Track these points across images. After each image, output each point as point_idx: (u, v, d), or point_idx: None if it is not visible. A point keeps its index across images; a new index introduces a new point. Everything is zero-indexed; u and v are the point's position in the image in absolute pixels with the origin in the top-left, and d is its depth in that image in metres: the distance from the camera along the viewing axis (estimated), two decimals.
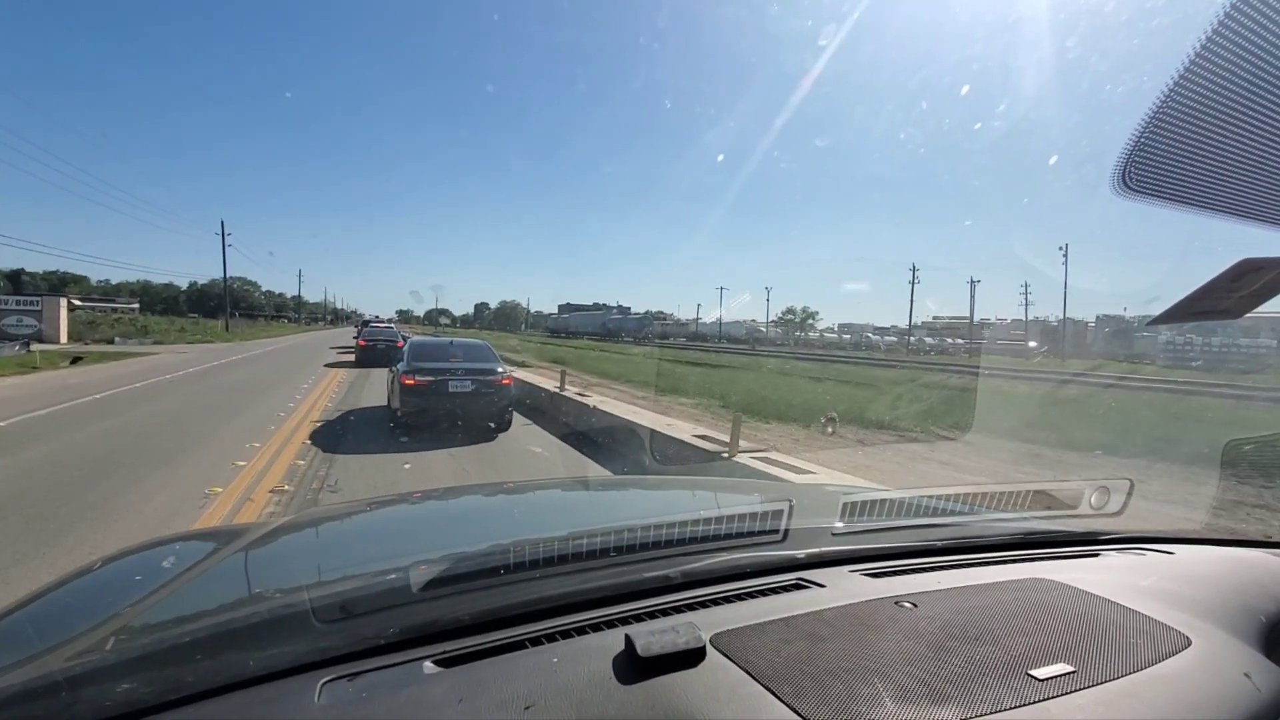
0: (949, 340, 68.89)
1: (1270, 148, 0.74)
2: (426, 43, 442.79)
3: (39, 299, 27.79)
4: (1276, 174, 0.77)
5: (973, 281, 63.43)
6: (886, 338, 76.64)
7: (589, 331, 76.86)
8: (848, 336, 78.74)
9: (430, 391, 7.88)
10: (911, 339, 72.00)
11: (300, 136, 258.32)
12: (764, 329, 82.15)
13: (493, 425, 8.31)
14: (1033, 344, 59.36)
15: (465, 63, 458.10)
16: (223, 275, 48.45)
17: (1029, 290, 60.38)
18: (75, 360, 18.47)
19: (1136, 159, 0.77)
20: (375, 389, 12.76)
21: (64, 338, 27.20)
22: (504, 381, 8.36)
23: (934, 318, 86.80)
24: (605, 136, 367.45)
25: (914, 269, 60.75)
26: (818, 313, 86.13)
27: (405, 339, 13.02)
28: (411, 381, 7.87)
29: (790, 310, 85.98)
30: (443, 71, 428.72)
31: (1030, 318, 63.55)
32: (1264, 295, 0.87)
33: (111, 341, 28.19)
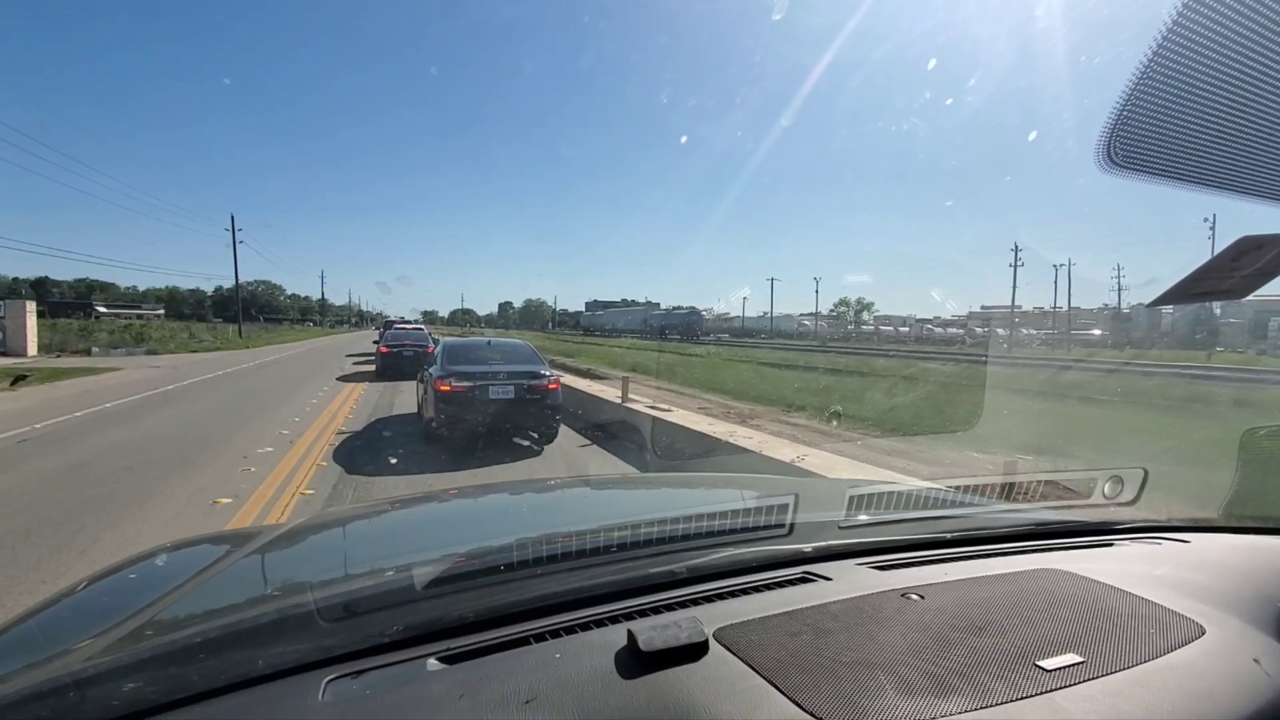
0: (1024, 331, 62.21)
1: (1261, 117, 0.70)
2: (441, 54, 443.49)
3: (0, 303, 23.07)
4: (1270, 145, 0.73)
5: (1066, 266, 56.24)
6: (951, 329, 70.94)
7: (628, 329, 71.10)
8: (906, 329, 73.13)
9: (468, 399, 6.84)
10: (981, 329, 65.62)
11: (325, 143, 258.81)
12: (808, 323, 76.43)
13: (536, 435, 7.45)
14: (1097, 332, 53.91)
15: (479, 72, 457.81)
16: (234, 275, 43.85)
17: (1122, 275, 53.17)
18: (17, 380, 13.86)
19: (1120, 132, 0.73)
20: (408, 407, 7.39)
21: (32, 348, 22.63)
22: (550, 386, 7.32)
23: (982, 307, 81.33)
24: (613, 140, 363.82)
25: (1016, 249, 53.49)
26: (873, 304, 79.98)
27: (436, 342, 10.80)
28: (447, 388, 6.84)
29: (843, 302, 79.86)
30: (458, 81, 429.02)
31: (1058, 306, 56.37)
32: (1268, 274, 0.84)
33: (89, 353, 23.52)
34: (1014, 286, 53.47)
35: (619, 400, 8.22)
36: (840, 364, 20.29)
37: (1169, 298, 0.91)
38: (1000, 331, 64.09)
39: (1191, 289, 0.88)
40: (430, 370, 7.49)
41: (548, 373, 7.46)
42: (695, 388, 12.93)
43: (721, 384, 13.18)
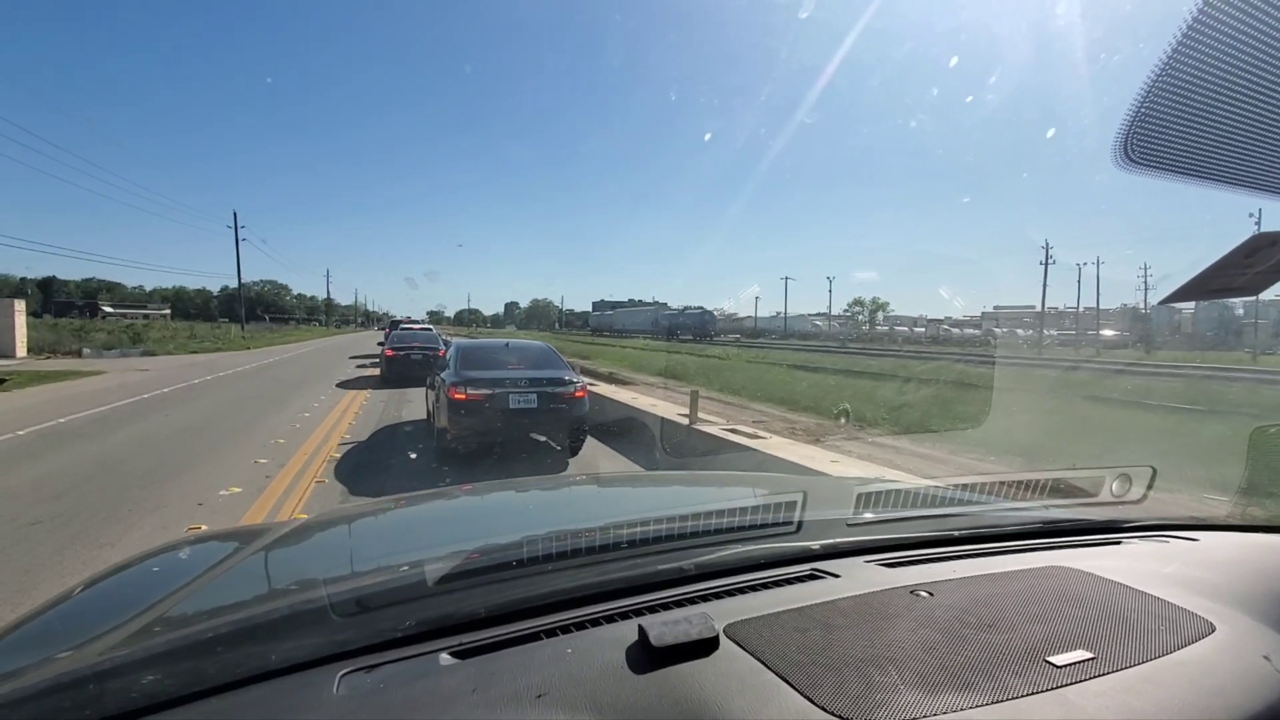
0: (1047, 332, 60.63)
1: (1276, 114, 0.69)
2: (448, 55, 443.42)
3: None
4: None
5: (1091, 265, 54.47)
6: (967, 330, 69.44)
7: (637, 329, 69.55)
8: (921, 330, 71.63)
9: (486, 409, 5.96)
10: (1000, 329, 64.09)
11: (331, 143, 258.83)
12: (820, 323, 74.84)
13: (559, 449, 6.63)
14: (1109, 332, 52.93)
15: (484, 72, 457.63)
16: (237, 273, 42.59)
17: (1150, 274, 51.32)
18: None
19: (1138, 129, 0.73)
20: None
21: (21, 349, 21.43)
22: (577, 394, 6.37)
23: (995, 307, 79.72)
24: (619, 139, 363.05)
25: (1046, 246, 51.56)
26: (888, 304, 78.16)
27: (447, 344, 10.04)
28: (462, 396, 5.96)
29: (858, 301, 78.03)
30: (463, 80, 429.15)
31: (1073, 306, 54.41)
32: None
33: (80, 354, 22.28)
34: (1044, 285, 51.90)
35: (683, 419, 6.68)
36: (873, 366, 18.78)
37: (1181, 295, 0.91)
38: (1020, 332, 62.49)
39: (1204, 286, 0.87)
40: (442, 375, 6.63)
41: (574, 379, 6.57)
42: (738, 395, 11.46)
43: (765, 391, 11.71)
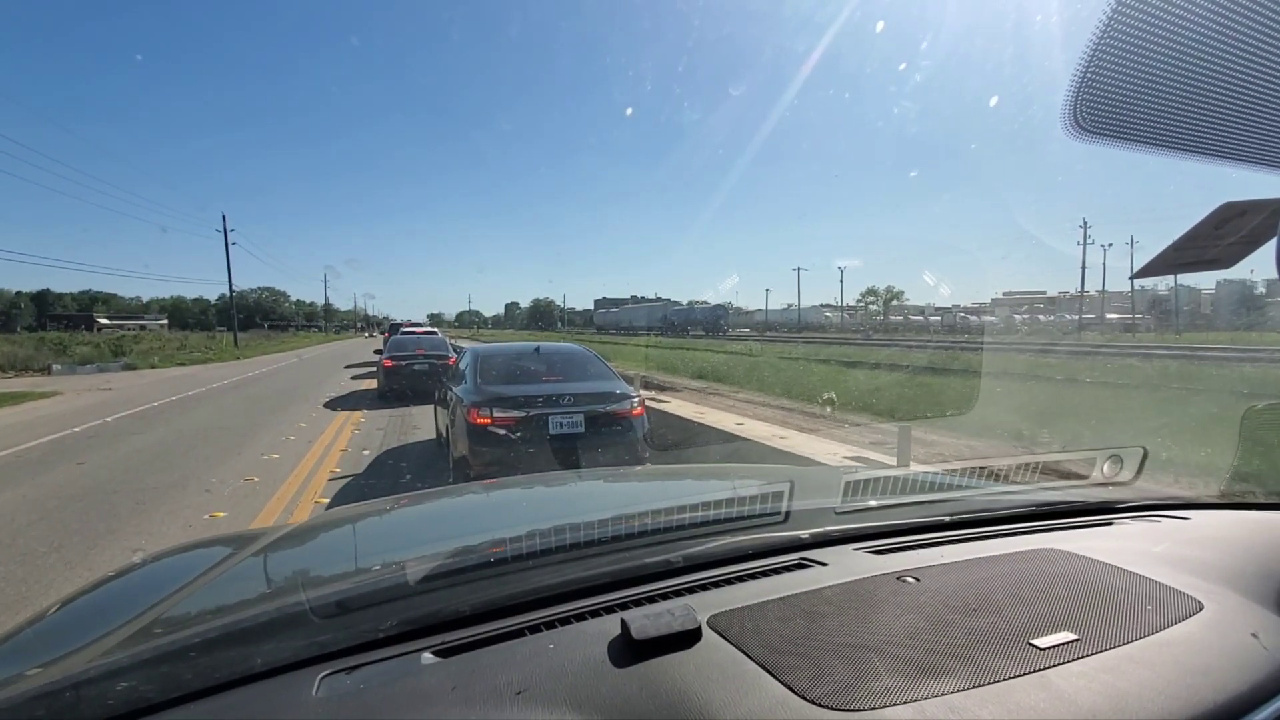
0: (1068, 317, 58.65)
1: (1240, 76, 0.64)
2: (439, 61, 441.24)
3: None
4: (1250, 106, 0.68)
5: (1112, 244, 52.22)
6: (985, 317, 67.36)
7: (646, 326, 67.30)
8: (936, 318, 69.52)
9: (519, 435, 4.66)
10: (1020, 316, 61.92)
11: (330, 151, 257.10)
12: (830, 315, 72.58)
13: None
14: (1116, 316, 51.26)
15: (480, 81, 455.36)
16: (228, 279, 40.40)
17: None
18: None
19: (1087, 94, 0.69)
20: None
21: None
22: (634, 411, 5.08)
23: (1005, 293, 77.69)
24: (612, 140, 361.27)
25: (1085, 225, 49.20)
26: (903, 292, 75.88)
27: (459, 351, 8.30)
28: (487, 419, 4.65)
29: (871, 291, 75.74)
30: (456, 89, 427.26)
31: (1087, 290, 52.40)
32: (1254, 241, 0.80)
33: (49, 371, 20.20)
34: (1083, 267, 49.41)
35: (864, 467, 4.50)
36: (924, 360, 16.48)
37: (1152, 269, 0.88)
38: (1042, 319, 60.31)
39: (1175, 259, 0.84)
40: (457, 391, 5.24)
41: (628, 391, 5.20)
42: (821, 404, 9.25)
43: (854, 398, 9.49)
